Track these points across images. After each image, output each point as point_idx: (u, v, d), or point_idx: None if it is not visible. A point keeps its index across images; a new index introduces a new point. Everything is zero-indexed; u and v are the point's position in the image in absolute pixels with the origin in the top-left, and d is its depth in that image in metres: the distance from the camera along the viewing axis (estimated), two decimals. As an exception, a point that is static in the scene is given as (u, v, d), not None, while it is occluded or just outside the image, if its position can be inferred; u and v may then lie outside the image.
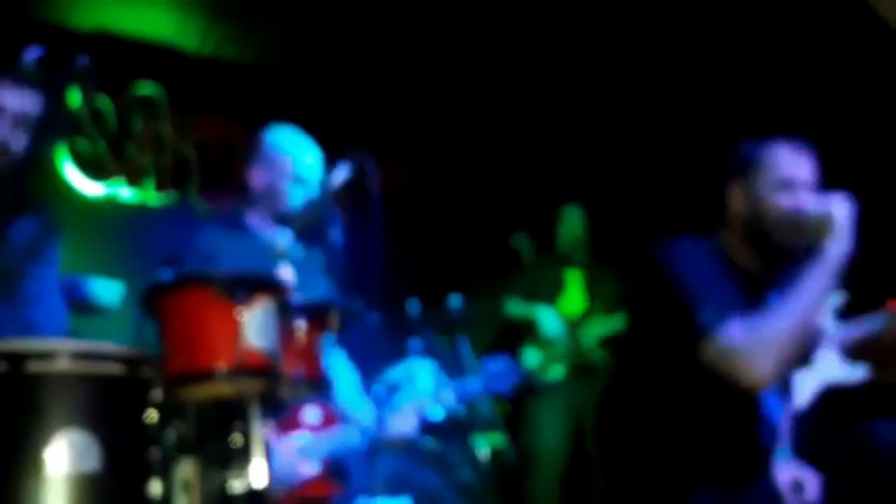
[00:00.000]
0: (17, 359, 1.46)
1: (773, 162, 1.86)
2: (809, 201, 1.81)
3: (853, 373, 2.74)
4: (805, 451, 2.63)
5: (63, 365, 1.48)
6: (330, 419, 2.20)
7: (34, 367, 1.46)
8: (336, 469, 2.21)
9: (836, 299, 2.79)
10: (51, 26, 3.77)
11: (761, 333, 1.70)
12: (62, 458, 1.42)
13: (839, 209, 1.75)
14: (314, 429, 2.16)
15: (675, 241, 1.90)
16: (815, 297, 1.73)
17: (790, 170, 1.85)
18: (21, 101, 1.88)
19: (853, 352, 2.72)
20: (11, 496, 1.40)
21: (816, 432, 2.71)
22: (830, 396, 2.71)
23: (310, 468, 2.11)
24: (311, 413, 2.14)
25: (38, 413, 1.45)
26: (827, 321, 2.75)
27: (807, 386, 2.68)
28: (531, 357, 4.17)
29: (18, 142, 1.90)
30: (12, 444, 1.43)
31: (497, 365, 2.60)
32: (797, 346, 1.74)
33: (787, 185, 1.84)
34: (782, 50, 3.89)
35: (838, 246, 1.72)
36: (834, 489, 2.38)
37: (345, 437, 2.19)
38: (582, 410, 4.14)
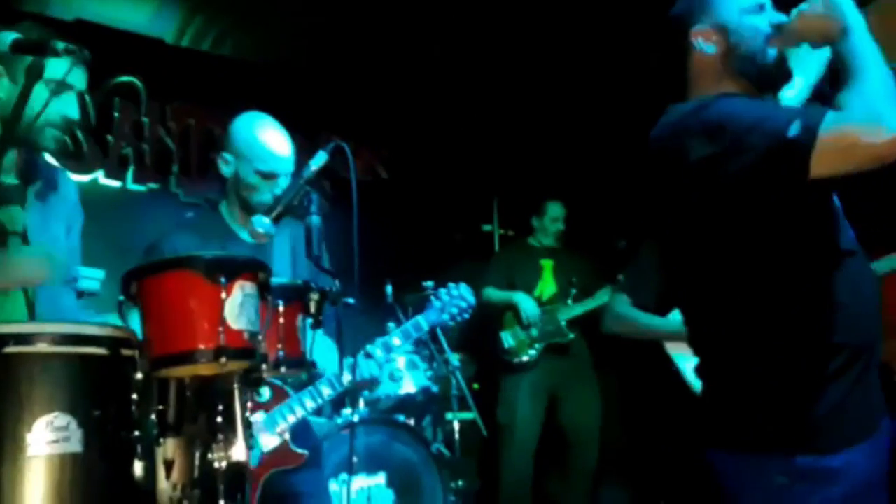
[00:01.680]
0: (-4, 341, 1.39)
1: None
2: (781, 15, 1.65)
3: None
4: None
5: (43, 347, 1.42)
6: (280, 396, 2.18)
7: (13, 348, 1.39)
8: (298, 439, 2.19)
9: None
10: (30, 16, 3.65)
11: (864, 95, 1.43)
12: (43, 439, 1.36)
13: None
14: (266, 406, 2.14)
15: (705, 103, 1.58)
16: (874, 55, 1.48)
17: None
18: None
19: None
20: (-7, 478, 1.34)
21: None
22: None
23: (270, 441, 2.09)
24: (261, 392, 2.13)
25: (19, 395, 1.38)
26: None
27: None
28: (508, 339, 4.23)
29: None
30: (-7, 426, 1.37)
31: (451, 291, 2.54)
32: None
33: (754, 8, 1.66)
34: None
35: (854, 18, 1.52)
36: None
37: (295, 405, 2.17)
38: (555, 387, 4.23)
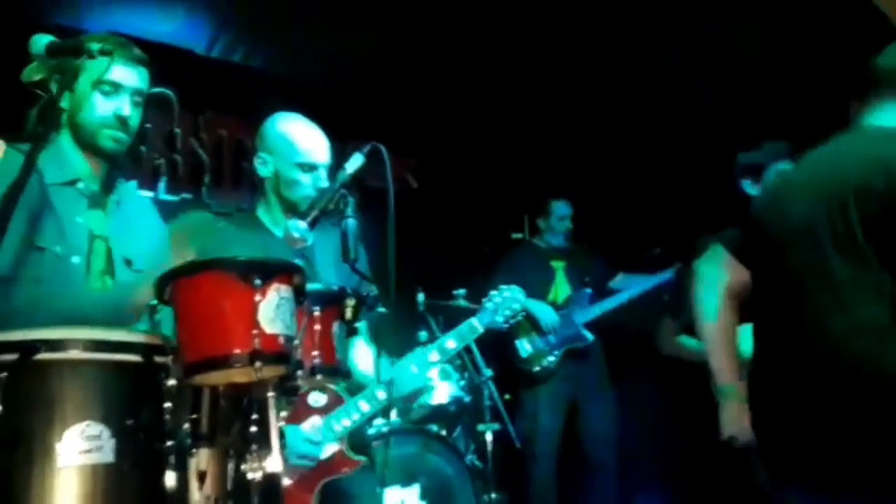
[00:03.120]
0: (29, 348, 1.34)
1: None
2: None
3: None
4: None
5: (75, 353, 1.37)
6: (336, 401, 2.11)
7: (45, 355, 1.34)
8: (354, 446, 2.13)
9: None
10: (63, 28, 3.66)
11: None
12: (74, 449, 1.31)
13: None
14: (321, 411, 2.07)
15: None
16: None
17: None
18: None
19: None
20: (23, 488, 1.29)
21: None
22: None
23: (328, 448, 2.03)
24: (316, 397, 2.06)
25: (50, 403, 1.33)
26: None
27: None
28: (525, 348, 4.13)
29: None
30: (24, 435, 1.31)
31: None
32: None
33: None
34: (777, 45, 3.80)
35: None
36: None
37: (351, 410, 2.11)
38: (574, 395, 4.12)
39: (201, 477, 1.51)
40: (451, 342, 2.42)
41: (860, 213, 1.60)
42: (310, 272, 2.10)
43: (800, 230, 1.68)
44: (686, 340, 2.79)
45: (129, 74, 1.85)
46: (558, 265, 4.31)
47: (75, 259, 1.74)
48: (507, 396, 4.23)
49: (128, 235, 1.86)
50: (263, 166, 2.21)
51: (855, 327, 1.57)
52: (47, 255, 1.71)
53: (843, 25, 3.49)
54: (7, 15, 3.52)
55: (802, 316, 1.63)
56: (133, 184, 2.03)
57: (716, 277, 1.79)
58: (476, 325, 2.50)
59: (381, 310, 2.80)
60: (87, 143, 1.84)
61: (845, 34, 3.46)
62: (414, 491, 3.13)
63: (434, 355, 2.37)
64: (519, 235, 4.87)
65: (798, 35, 3.72)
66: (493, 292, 2.58)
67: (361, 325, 1.94)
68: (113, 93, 1.83)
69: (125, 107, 1.85)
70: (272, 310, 1.38)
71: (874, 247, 1.57)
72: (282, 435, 2.01)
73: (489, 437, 3.84)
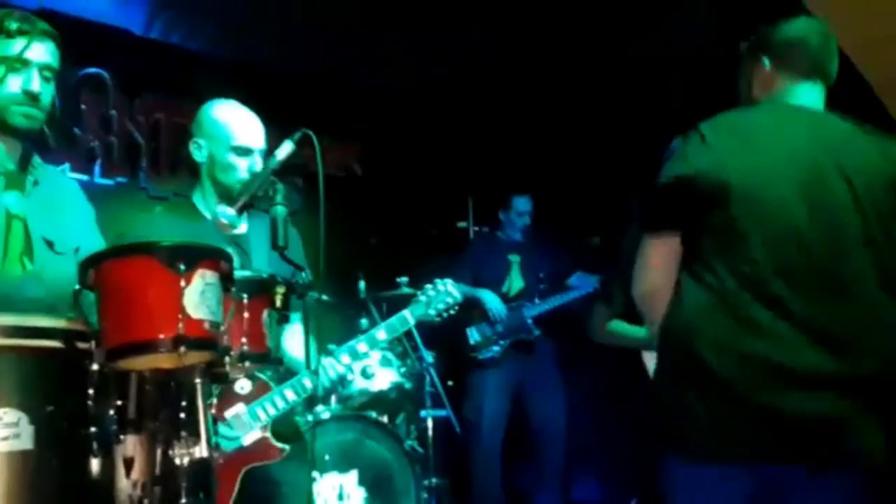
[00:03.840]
0: (-55, 334, 1.32)
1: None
2: None
3: None
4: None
5: (-6, 339, 1.36)
6: (262, 389, 2.11)
7: (-38, 341, 1.33)
8: (280, 434, 2.13)
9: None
10: (-6, 4, 3.55)
11: None
12: (-7, 436, 1.30)
13: None
14: (246, 399, 2.07)
15: None
16: None
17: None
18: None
19: None
20: (-62, 477, 1.27)
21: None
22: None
23: (251, 435, 2.03)
24: (242, 384, 2.06)
25: (-32, 390, 1.32)
26: None
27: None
28: (474, 335, 4.20)
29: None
30: (-61, 422, 1.29)
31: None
32: None
33: None
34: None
35: None
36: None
37: (276, 398, 2.12)
38: (520, 384, 4.21)
39: (128, 463, 1.51)
40: (381, 333, 2.44)
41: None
42: (244, 260, 2.10)
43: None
44: (618, 326, 2.84)
45: (36, 50, 1.80)
46: (514, 259, 4.40)
47: None
48: (449, 383, 4.29)
49: (48, 216, 1.83)
50: (199, 151, 2.20)
51: None
52: None
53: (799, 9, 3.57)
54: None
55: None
56: (60, 168, 1.99)
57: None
58: (408, 317, 2.52)
59: (325, 298, 2.79)
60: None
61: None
62: (352, 477, 3.15)
63: (363, 346, 2.38)
64: (464, 224, 4.90)
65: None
66: (427, 285, 2.59)
67: (295, 313, 1.94)
68: (21, 69, 1.78)
69: (34, 82, 1.80)
70: (197, 295, 1.38)
71: None
72: (215, 421, 2.03)
73: (430, 422, 3.89)
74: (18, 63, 1.77)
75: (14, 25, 1.67)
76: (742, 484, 1.55)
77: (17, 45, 1.76)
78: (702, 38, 3.89)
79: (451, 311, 2.59)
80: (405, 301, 2.80)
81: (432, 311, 2.54)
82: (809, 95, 1.76)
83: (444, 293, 2.57)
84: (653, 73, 4.25)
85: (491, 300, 4.21)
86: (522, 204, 4.41)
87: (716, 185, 1.60)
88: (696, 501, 1.61)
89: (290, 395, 2.14)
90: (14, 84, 1.78)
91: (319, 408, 3.16)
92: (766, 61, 1.77)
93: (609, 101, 4.53)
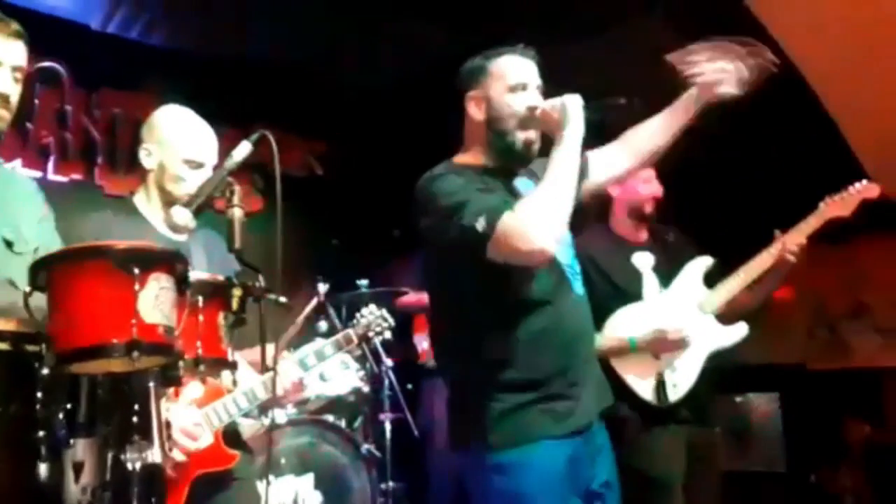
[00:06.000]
0: None
1: (502, 69, 1.98)
2: (541, 99, 1.95)
3: (733, 334, 2.76)
4: (697, 419, 2.71)
5: (-61, 341, 1.34)
6: (213, 394, 2.11)
7: None
8: (230, 440, 2.13)
9: (705, 264, 2.85)
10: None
11: (529, 207, 1.79)
12: (-64, 440, 1.28)
13: (570, 100, 1.88)
14: (197, 403, 2.07)
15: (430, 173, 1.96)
16: (566, 172, 1.83)
17: (518, 74, 1.97)
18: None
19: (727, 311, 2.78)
20: None
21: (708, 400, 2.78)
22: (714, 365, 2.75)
23: (201, 441, 2.02)
24: (193, 388, 2.05)
25: (-90, 393, 1.30)
26: (696, 284, 2.81)
27: (692, 362, 2.72)
28: (422, 342, 4.21)
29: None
30: None
31: None
32: (564, 213, 1.82)
33: (517, 88, 1.96)
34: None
35: (574, 129, 1.86)
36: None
37: (228, 404, 2.11)
38: None
39: (77, 468, 1.49)
40: (328, 349, 2.50)
41: None
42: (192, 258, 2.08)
43: None
44: None
45: (7, 50, 1.79)
46: None
47: None
48: (409, 386, 4.30)
49: (6, 217, 1.80)
50: (148, 157, 2.17)
51: None
52: None
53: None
54: None
55: None
56: (11, 164, 1.95)
57: None
58: (351, 335, 2.64)
59: (282, 300, 2.79)
60: None
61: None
62: (307, 481, 3.15)
63: (312, 359, 2.41)
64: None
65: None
66: (363, 310, 2.74)
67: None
68: None
69: (5, 83, 1.78)
70: (151, 299, 1.37)
71: None
72: (167, 425, 2.01)
73: (388, 426, 3.90)
74: None
75: None
76: None
77: None
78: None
79: (385, 335, 2.77)
80: (364, 302, 2.85)
81: (371, 334, 2.72)
82: None
83: (380, 318, 2.73)
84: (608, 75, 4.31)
85: None
86: None
87: None
88: None
89: (243, 402, 2.14)
90: None
91: (275, 412, 3.15)
92: None
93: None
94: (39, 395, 1.41)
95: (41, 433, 1.41)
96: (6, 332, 1.39)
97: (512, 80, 1.96)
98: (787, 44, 3.35)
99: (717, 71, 2.01)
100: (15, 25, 1.80)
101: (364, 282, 3.92)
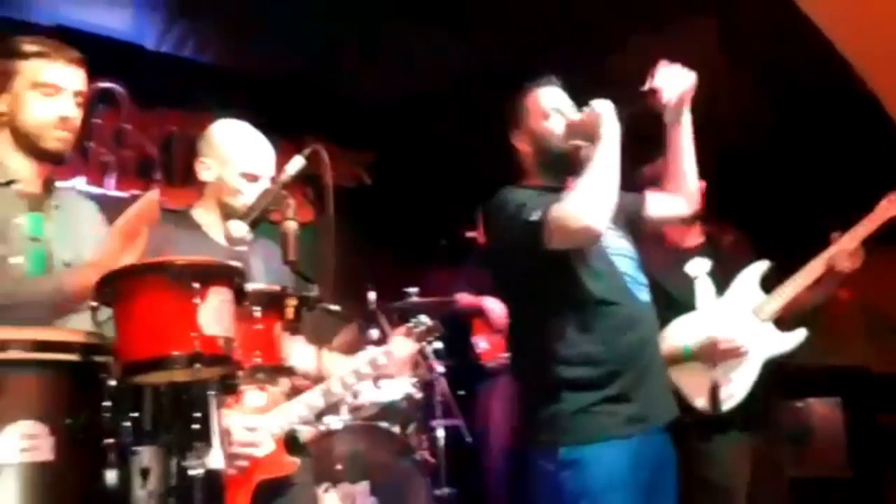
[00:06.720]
0: (-32, 348, 1.38)
1: (535, 102, 2.20)
2: (575, 114, 2.14)
3: (790, 340, 2.72)
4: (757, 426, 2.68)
5: (15, 353, 1.41)
6: (274, 402, 2.16)
7: (-16, 355, 1.38)
8: (291, 447, 2.17)
9: (761, 268, 2.80)
10: (12, 22, 3.64)
11: (574, 193, 1.95)
12: (13, 447, 1.34)
13: (599, 104, 2.05)
14: (259, 412, 2.12)
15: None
16: (607, 162, 1.98)
17: (550, 102, 2.19)
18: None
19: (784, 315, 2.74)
20: (-39, 487, 1.32)
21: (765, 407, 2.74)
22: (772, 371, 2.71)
23: (264, 448, 2.07)
24: (254, 396, 2.10)
25: (-11, 402, 1.37)
26: (752, 289, 2.77)
27: (747, 370, 2.68)
28: (481, 343, 4.22)
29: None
30: (-37, 434, 1.34)
31: None
32: (609, 197, 1.96)
33: (552, 113, 2.17)
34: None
35: (610, 127, 2.00)
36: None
37: (289, 411, 2.16)
38: None
39: (144, 474, 1.55)
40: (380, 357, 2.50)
41: None
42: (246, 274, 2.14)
43: None
44: None
45: (68, 76, 1.88)
46: None
47: (14, 260, 1.75)
48: (460, 392, 4.32)
49: (68, 240, 1.88)
50: (207, 171, 2.23)
51: None
52: None
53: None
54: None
55: None
56: (74, 181, 2.04)
57: None
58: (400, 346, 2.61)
59: (334, 308, 2.85)
60: (29, 145, 1.86)
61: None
62: (364, 487, 3.18)
63: (366, 368, 2.42)
64: (473, 233, 4.93)
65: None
66: (414, 319, 2.75)
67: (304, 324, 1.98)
68: (54, 94, 1.85)
69: (68, 108, 1.87)
70: (211, 312, 1.42)
71: None
72: (226, 433, 2.07)
73: (441, 432, 3.92)
74: (53, 89, 1.84)
75: (31, 49, 1.73)
76: None
77: (51, 72, 1.83)
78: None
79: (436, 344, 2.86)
80: (414, 311, 2.87)
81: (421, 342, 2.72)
82: None
83: (423, 322, 2.72)
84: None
85: (494, 307, 4.23)
86: None
87: None
88: None
89: (302, 409, 2.18)
90: (49, 109, 1.85)
91: (330, 418, 3.20)
92: None
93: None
94: (107, 403, 1.47)
95: (109, 441, 1.47)
96: (75, 343, 1.46)
97: (546, 108, 2.18)
98: (838, 38, 3.28)
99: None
100: (76, 53, 1.89)
101: (414, 290, 3.95)
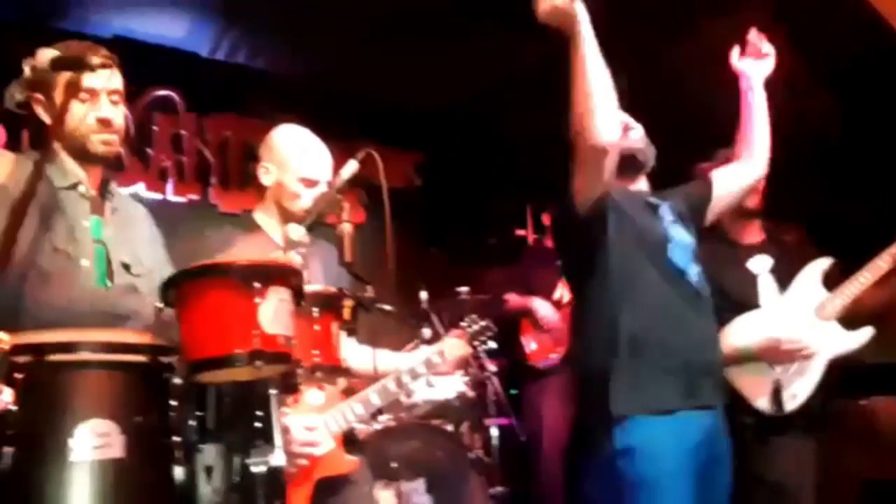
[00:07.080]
0: (40, 349, 1.43)
1: None
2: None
3: (856, 339, 2.65)
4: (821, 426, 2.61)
5: (85, 355, 1.46)
6: (332, 400, 2.20)
7: (56, 356, 1.43)
8: (349, 445, 2.20)
9: (823, 265, 2.73)
10: (68, 34, 3.75)
11: (577, 115, 1.94)
12: (86, 445, 1.39)
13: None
14: (318, 410, 2.16)
15: None
16: (592, 61, 1.94)
17: None
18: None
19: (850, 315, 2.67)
20: (37, 484, 1.37)
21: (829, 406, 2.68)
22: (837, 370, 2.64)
23: (323, 446, 2.10)
24: (313, 395, 2.13)
25: (62, 402, 1.42)
26: (815, 287, 2.71)
27: (811, 370, 2.62)
28: (531, 343, 4.21)
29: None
30: (37, 433, 1.40)
31: None
32: (607, 96, 1.95)
33: None
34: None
35: (585, 20, 1.95)
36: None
37: (346, 410, 2.19)
38: None
39: (208, 471, 1.59)
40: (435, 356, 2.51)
41: None
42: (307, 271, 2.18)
43: None
44: None
45: (101, 77, 1.88)
46: None
47: (84, 262, 1.81)
48: (512, 391, 4.31)
49: (125, 241, 1.93)
50: (266, 176, 2.28)
51: None
52: (60, 256, 1.77)
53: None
54: (12, 21, 3.61)
55: None
56: (134, 187, 2.07)
57: None
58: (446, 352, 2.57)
59: (389, 308, 2.88)
60: (78, 151, 1.89)
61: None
62: (420, 485, 3.20)
63: (421, 368, 2.43)
64: (522, 232, 4.93)
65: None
66: (465, 321, 2.83)
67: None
68: (90, 99, 1.87)
69: (105, 109, 1.88)
70: (271, 311, 1.46)
71: None
72: (285, 431, 2.11)
73: (494, 431, 3.92)
74: (85, 93, 1.86)
75: (97, 61, 1.78)
76: None
77: (84, 78, 1.83)
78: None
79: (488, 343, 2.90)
80: (464, 310, 2.89)
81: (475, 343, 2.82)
82: None
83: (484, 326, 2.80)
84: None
85: (542, 308, 4.22)
86: None
87: None
88: None
89: (360, 408, 2.21)
90: (86, 113, 1.86)
91: (385, 416, 3.24)
92: None
93: (671, 107, 4.49)
94: (173, 402, 1.52)
95: (176, 439, 1.51)
96: (143, 345, 1.51)
97: None
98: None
99: None
100: (103, 52, 1.88)
101: (464, 289, 3.96)
